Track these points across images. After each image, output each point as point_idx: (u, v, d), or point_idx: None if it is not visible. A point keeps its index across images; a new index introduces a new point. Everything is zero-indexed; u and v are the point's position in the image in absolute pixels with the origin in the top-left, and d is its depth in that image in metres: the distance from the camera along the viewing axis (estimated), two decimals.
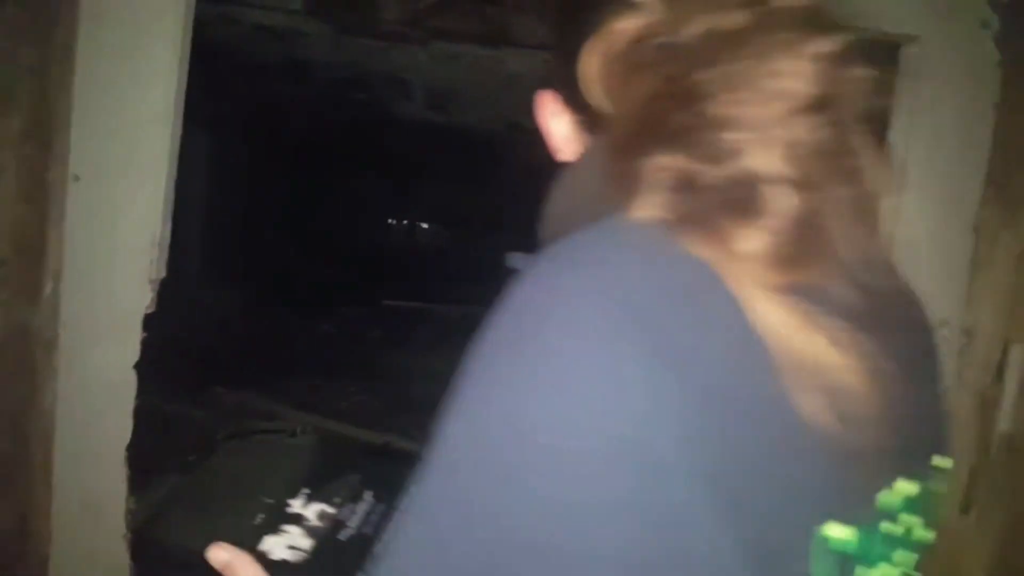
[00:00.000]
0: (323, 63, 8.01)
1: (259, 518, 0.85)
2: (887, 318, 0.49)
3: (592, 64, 0.52)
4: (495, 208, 14.36)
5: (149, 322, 1.65)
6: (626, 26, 0.49)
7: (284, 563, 0.78)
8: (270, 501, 0.87)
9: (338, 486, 0.90)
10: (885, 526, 0.49)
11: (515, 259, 0.52)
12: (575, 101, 0.58)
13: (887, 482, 0.49)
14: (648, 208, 0.45)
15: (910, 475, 0.51)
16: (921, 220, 1.78)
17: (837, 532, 0.44)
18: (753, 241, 0.43)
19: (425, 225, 19.01)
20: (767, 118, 0.45)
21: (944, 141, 1.78)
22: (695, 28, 0.47)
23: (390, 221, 18.71)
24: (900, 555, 0.51)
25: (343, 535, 0.84)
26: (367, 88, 9.02)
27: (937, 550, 1.64)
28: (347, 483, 0.91)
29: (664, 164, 0.46)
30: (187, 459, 4.16)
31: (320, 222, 12.14)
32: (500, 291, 0.47)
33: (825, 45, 0.46)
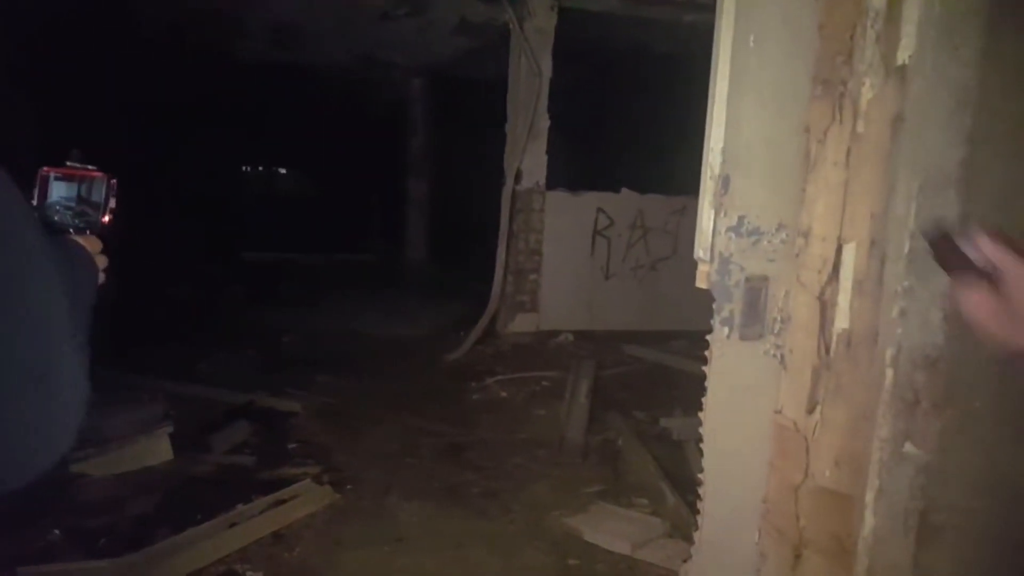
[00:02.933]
0: (147, 6, 7.20)
1: None
2: None
3: None
4: (356, 149, 13.80)
5: None
6: None
7: None
8: None
9: None
10: None
11: None
12: None
13: None
14: None
15: None
16: (755, 124, 1.75)
17: None
18: None
19: (283, 171, 18.07)
20: None
21: (772, 42, 1.73)
22: None
23: (245, 168, 17.64)
24: None
25: None
26: (200, 29, 8.26)
27: (787, 449, 1.64)
28: None
29: None
30: None
31: (168, 175, 11.23)
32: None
33: None
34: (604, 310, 6.84)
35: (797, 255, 1.75)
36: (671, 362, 6.05)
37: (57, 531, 2.82)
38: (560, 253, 6.63)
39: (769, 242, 1.76)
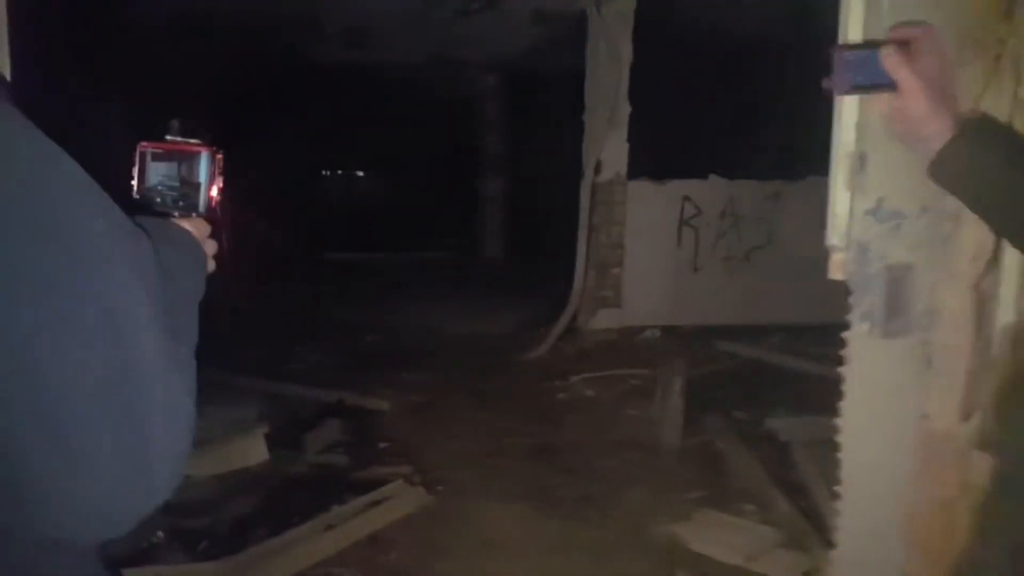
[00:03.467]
0: (226, 12, 7.40)
1: None
2: None
3: None
4: (430, 149, 13.90)
5: None
6: None
7: None
8: None
9: None
10: None
11: None
12: None
13: None
14: None
15: None
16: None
17: None
18: None
19: (361, 173, 18.42)
20: None
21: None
22: None
23: (324, 172, 18.07)
24: None
25: None
26: (278, 34, 8.45)
27: (938, 460, 1.45)
28: None
29: None
30: None
31: (250, 180, 11.58)
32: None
33: None
34: (692, 304, 6.59)
35: (946, 241, 1.55)
36: (769, 358, 5.77)
37: (161, 533, 2.86)
38: (644, 245, 6.42)
39: (912, 227, 1.56)
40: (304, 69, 9.95)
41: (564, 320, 6.13)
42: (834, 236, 1.56)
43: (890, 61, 0.89)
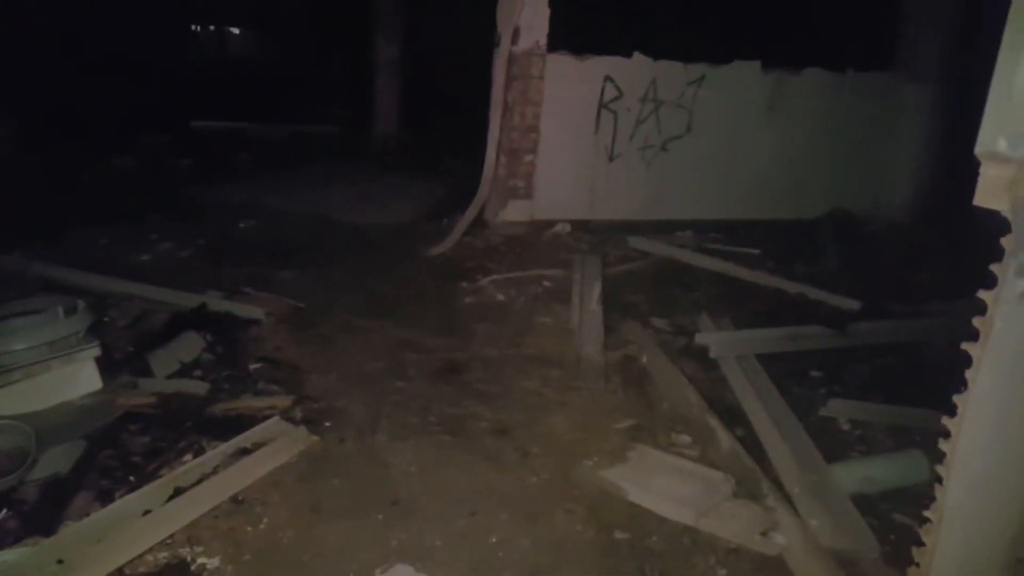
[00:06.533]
0: None
1: None
2: None
3: None
4: (316, 4, 12.24)
5: None
6: None
7: None
8: None
9: None
10: None
11: None
12: None
13: None
14: None
15: None
16: None
17: None
18: None
19: (235, 31, 16.34)
20: None
21: None
22: None
23: (194, 28, 15.92)
24: None
25: None
26: None
27: None
28: None
29: None
30: None
31: (109, 34, 9.78)
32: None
33: None
34: (606, 197, 6.04)
35: None
36: (682, 256, 5.37)
37: None
38: (561, 130, 5.71)
39: None
40: None
41: (472, 212, 5.44)
42: (999, 137, 0.95)
43: None
